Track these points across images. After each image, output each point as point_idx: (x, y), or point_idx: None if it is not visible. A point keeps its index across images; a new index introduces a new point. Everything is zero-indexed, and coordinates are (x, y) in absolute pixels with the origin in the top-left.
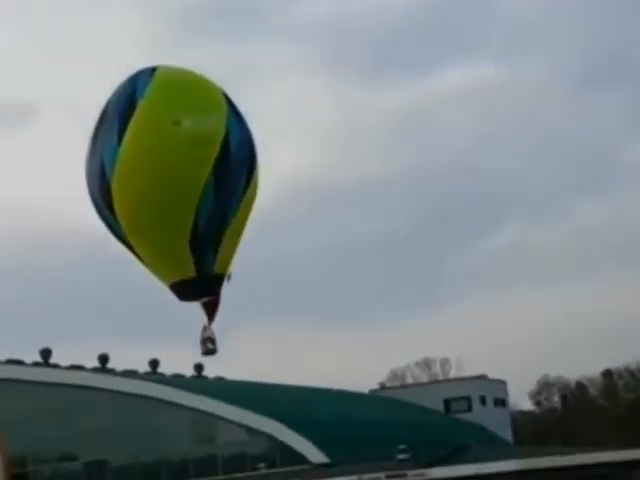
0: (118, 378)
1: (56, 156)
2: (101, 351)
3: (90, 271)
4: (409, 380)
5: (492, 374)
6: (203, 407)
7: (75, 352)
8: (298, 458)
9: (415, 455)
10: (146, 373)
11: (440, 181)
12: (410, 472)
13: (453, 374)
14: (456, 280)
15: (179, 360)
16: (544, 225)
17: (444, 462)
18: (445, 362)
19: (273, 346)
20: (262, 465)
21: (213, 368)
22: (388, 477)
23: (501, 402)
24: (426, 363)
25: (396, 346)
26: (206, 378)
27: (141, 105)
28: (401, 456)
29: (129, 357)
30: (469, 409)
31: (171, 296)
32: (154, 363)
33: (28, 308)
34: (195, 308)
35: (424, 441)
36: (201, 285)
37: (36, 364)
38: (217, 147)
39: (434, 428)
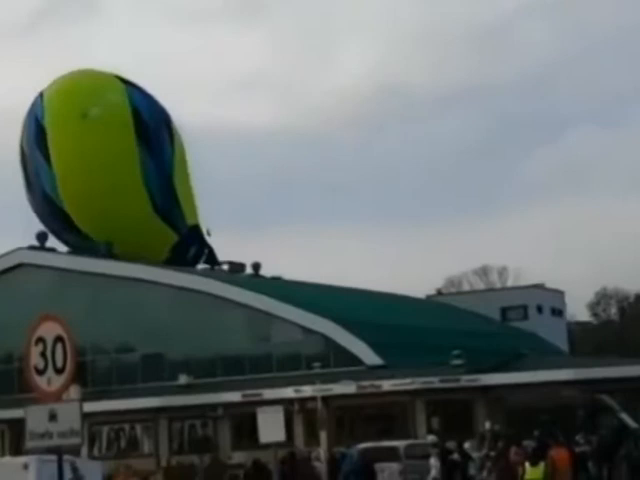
0: (177, 273)
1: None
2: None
3: None
4: (465, 287)
5: (550, 284)
6: (259, 305)
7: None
8: (352, 359)
9: (469, 361)
10: (204, 269)
11: (513, 91)
12: (464, 378)
13: (510, 283)
14: (519, 189)
15: (236, 258)
16: (611, 136)
17: (498, 369)
18: (503, 270)
19: (331, 248)
20: (317, 365)
21: (271, 267)
22: (442, 381)
23: (558, 312)
24: (484, 271)
25: (454, 253)
26: (263, 277)
27: (48, 123)
28: (455, 362)
29: None
30: (525, 317)
31: (229, 197)
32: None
33: None
34: (244, 211)
35: (479, 348)
36: (188, 242)
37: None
38: (130, 116)
39: (489, 335)
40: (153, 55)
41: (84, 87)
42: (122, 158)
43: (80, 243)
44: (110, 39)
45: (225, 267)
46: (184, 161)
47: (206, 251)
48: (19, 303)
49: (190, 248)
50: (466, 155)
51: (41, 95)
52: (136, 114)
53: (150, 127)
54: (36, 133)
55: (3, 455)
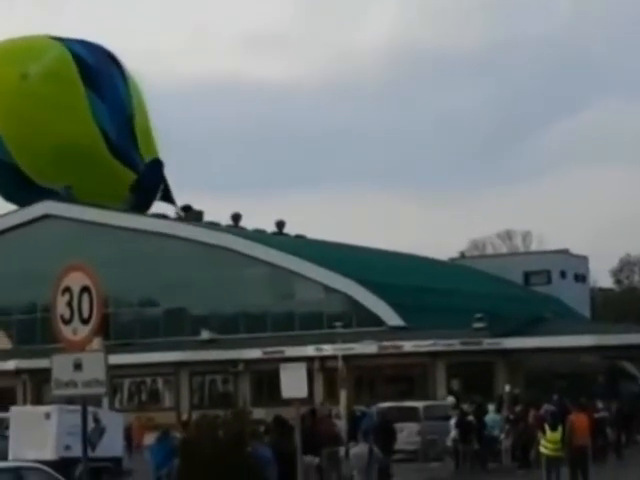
0: (201, 229)
1: None
2: (186, 202)
3: None
4: (489, 251)
5: (574, 250)
6: (282, 263)
7: (159, 202)
8: (374, 319)
9: (491, 324)
10: (227, 226)
11: (535, 54)
12: (485, 341)
13: (534, 248)
14: (545, 154)
15: (261, 216)
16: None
17: (520, 333)
18: (527, 235)
19: (356, 209)
20: (338, 324)
21: (294, 226)
22: (463, 344)
23: (581, 278)
24: (508, 235)
25: (478, 216)
26: (287, 235)
27: None
28: (477, 325)
29: (211, 210)
30: (548, 282)
31: (256, 155)
32: (236, 217)
33: None
34: (269, 169)
35: (501, 311)
36: (146, 179)
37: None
38: (73, 66)
39: (512, 299)
40: (164, 9)
41: (19, 50)
42: (69, 107)
43: (41, 193)
44: None
45: (181, 213)
46: (140, 98)
47: (161, 186)
48: (43, 254)
49: (149, 184)
50: (493, 119)
51: None
52: (79, 61)
53: (97, 70)
54: None
55: (25, 404)
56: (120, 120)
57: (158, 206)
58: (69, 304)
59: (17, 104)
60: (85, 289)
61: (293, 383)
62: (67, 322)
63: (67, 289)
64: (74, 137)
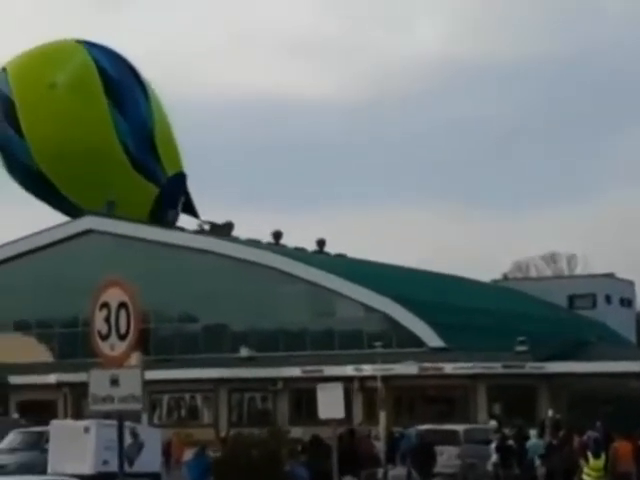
0: (241, 246)
1: None
2: (227, 219)
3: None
4: (532, 273)
5: (621, 274)
6: (322, 281)
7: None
8: (414, 340)
9: (534, 348)
10: (268, 244)
11: (588, 68)
12: (528, 364)
13: (579, 271)
14: (589, 175)
15: (302, 234)
16: None
17: (563, 357)
18: (572, 258)
19: (398, 229)
20: (378, 344)
21: (335, 245)
22: (505, 367)
23: (627, 302)
24: (552, 257)
25: (522, 238)
26: (327, 254)
27: (16, 97)
28: (519, 348)
29: (252, 227)
30: (593, 306)
31: (292, 162)
32: (277, 235)
33: None
34: (319, 186)
35: (544, 335)
36: (169, 193)
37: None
38: (97, 78)
39: (555, 322)
40: (205, 17)
41: (47, 57)
42: (94, 120)
43: (58, 201)
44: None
45: (206, 227)
46: (161, 111)
47: (182, 198)
48: (86, 268)
49: (174, 197)
50: (537, 138)
51: (4, 70)
52: (102, 72)
53: (118, 82)
54: (4, 107)
55: (65, 418)
56: (141, 137)
57: (193, 222)
58: (107, 320)
59: (45, 113)
60: (122, 305)
61: (330, 403)
62: (104, 338)
63: (105, 304)
64: (98, 148)
